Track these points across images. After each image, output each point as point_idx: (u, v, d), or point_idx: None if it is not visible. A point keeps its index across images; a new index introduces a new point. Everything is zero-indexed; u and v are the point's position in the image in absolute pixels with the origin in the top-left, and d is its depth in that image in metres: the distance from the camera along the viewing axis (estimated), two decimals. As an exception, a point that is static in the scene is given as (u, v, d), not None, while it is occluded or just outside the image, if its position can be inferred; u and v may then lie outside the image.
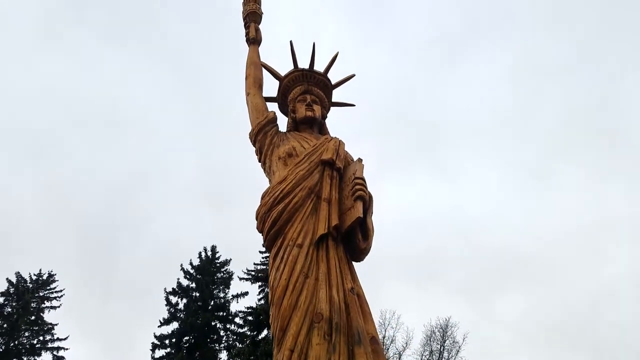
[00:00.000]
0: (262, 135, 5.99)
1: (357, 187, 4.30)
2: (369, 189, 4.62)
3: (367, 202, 4.34)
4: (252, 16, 7.82)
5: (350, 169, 5.14)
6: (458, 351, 34.43)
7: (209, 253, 32.94)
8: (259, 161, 5.99)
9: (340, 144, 5.39)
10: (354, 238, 3.79)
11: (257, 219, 4.64)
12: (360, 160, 5.36)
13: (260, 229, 4.47)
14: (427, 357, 34.64)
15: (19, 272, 30.68)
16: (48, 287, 30.72)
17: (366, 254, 3.92)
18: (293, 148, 5.42)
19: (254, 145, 6.21)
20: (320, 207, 3.86)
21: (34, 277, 30.97)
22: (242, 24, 8.12)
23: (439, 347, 34.58)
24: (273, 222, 3.89)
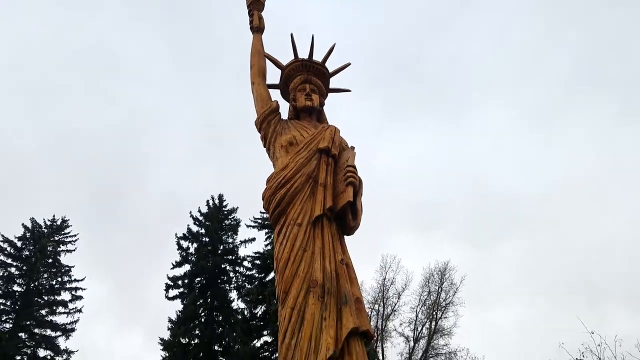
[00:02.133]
0: (266, 124, 6.61)
1: (349, 174, 5.02)
2: (359, 175, 5.34)
3: (357, 186, 5.07)
4: (256, 4, 8.04)
5: (344, 155, 5.84)
6: (455, 292, 36.38)
7: (217, 201, 34.21)
8: (264, 147, 6.68)
9: (335, 131, 6.03)
10: (345, 217, 4.55)
11: (263, 199, 5.43)
12: (352, 148, 6.09)
13: (266, 208, 5.29)
14: (425, 297, 36.66)
15: (33, 218, 32.24)
16: (62, 232, 32.36)
17: (355, 230, 4.73)
18: (294, 137, 6.12)
19: (259, 132, 6.90)
20: (317, 191, 4.59)
21: (48, 223, 32.54)
22: None
23: (437, 288, 36.51)
24: (277, 203, 4.64)
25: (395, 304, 35.70)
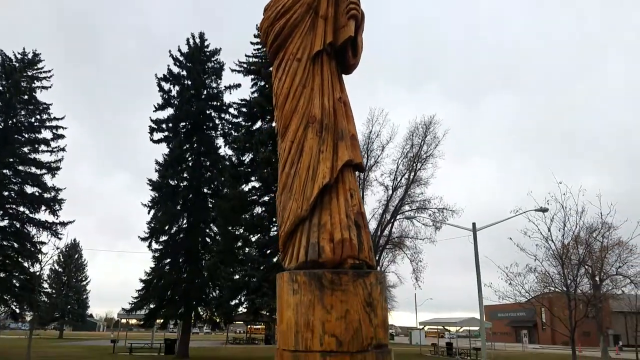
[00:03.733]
0: None
1: (351, 5, 4.66)
2: (361, 8, 5.01)
3: (359, 20, 4.77)
4: None
5: None
6: (437, 145, 37.95)
7: (197, 40, 32.70)
8: None
9: None
10: (345, 54, 4.41)
11: (260, 31, 5.12)
12: None
13: (264, 41, 5.01)
14: (407, 150, 38.23)
15: (2, 51, 30.71)
16: (35, 67, 31.22)
17: (355, 68, 4.61)
18: None
19: None
20: (317, 24, 4.35)
21: (19, 56, 31.14)
22: None
23: (419, 141, 37.89)
24: (275, 36, 4.40)
25: (379, 156, 37.35)
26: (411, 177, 37.79)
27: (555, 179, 22.63)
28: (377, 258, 39.07)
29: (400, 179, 38.03)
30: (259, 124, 28.31)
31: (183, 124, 31.35)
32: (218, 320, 30.58)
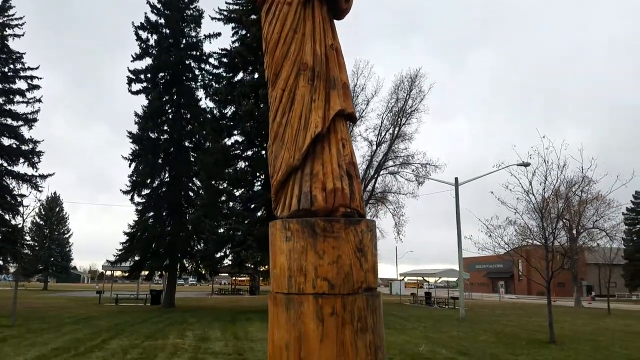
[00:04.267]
0: None
1: None
2: None
3: None
4: None
5: None
6: (422, 100, 37.93)
7: (176, -15, 31.33)
8: None
9: None
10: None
11: None
12: None
13: None
14: (392, 105, 38.12)
15: (-32, -3, 29.03)
16: (6, 14, 29.66)
17: (347, 13, 4.47)
18: None
19: None
20: None
21: (-15, 0, 29.50)
22: None
23: (405, 95, 37.75)
24: None
25: (363, 111, 37.19)
26: (395, 132, 37.93)
27: (538, 133, 23.32)
28: (360, 212, 39.70)
29: (385, 134, 38.17)
30: (240, 75, 27.72)
31: (162, 74, 30.55)
32: (204, 272, 31.13)
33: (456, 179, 27.28)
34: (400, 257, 67.01)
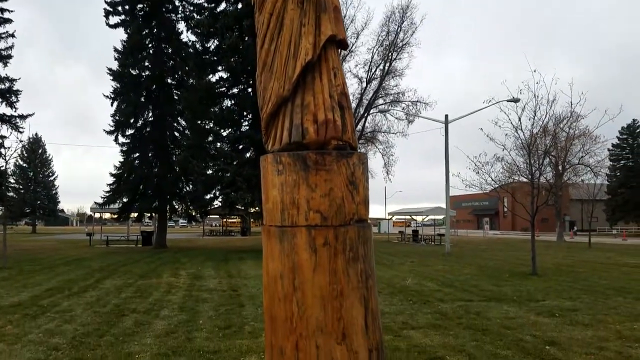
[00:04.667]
0: None
1: None
2: None
3: None
4: None
5: None
6: (414, 32, 36.98)
7: None
8: None
9: None
10: None
11: None
12: None
13: None
14: (383, 38, 37.11)
15: None
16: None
17: None
18: None
19: None
20: None
21: None
22: None
23: (396, 27, 36.69)
24: None
25: (353, 45, 36.18)
26: (386, 67, 37.19)
27: (530, 67, 23.14)
28: (349, 151, 39.77)
29: (375, 70, 37.42)
30: (223, 5, 26.49)
31: (140, 6, 29.11)
32: (194, 214, 31.41)
33: (446, 116, 27.23)
34: (389, 197, 68.10)
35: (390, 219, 59.72)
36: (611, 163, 55.10)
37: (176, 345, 6.69)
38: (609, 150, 47.74)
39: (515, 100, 16.19)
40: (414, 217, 48.15)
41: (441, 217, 44.84)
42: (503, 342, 6.85)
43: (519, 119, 14.93)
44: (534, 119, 14.89)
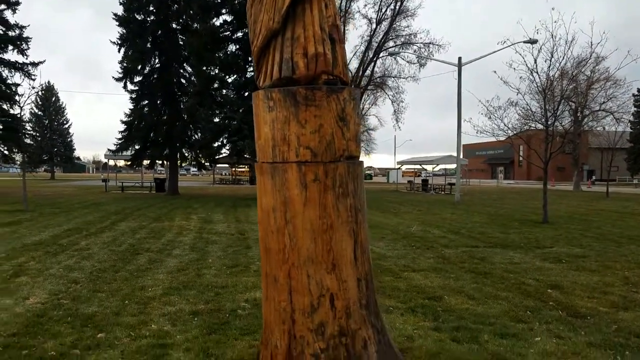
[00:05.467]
0: None
1: None
2: None
3: None
4: None
5: None
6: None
7: None
8: None
9: None
10: None
11: None
12: None
13: None
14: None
15: None
16: None
17: None
18: None
19: None
20: None
21: None
22: None
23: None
24: None
25: (363, -19, 34.63)
26: (397, 7, 35.57)
27: (547, 4, 22.02)
28: (360, 99, 39.11)
29: (385, 10, 35.83)
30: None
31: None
32: (203, 162, 31.73)
33: (459, 58, 26.49)
34: (398, 145, 67.73)
35: (399, 168, 59.39)
36: (635, 109, 52.49)
37: (187, 280, 7.02)
38: (634, 95, 45.48)
39: (533, 42, 15.61)
40: (424, 166, 47.98)
41: (452, 166, 44.57)
42: (504, 285, 6.97)
43: (535, 61, 14.43)
44: (550, 60, 14.38)
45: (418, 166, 48.62)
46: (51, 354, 4.17)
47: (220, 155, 29.11)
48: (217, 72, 25.80)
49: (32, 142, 39.66)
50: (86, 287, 6.57)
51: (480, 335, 4.76)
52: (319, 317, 3.08)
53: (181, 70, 30.63)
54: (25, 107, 54.21)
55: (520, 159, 69.71)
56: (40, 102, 64.84)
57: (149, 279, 7.08)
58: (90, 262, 8.30)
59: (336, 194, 3.12)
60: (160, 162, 32.35)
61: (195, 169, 51.07)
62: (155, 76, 29.63)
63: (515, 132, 17.56)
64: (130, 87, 29.33)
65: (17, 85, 28.76)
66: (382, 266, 8.17)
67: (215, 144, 26.68)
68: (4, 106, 28.37)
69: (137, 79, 29.39)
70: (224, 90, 26.20)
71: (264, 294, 3.35)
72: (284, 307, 3.15)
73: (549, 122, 14.73)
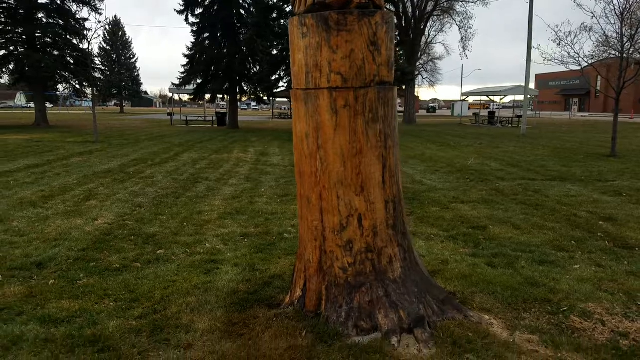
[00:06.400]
0: None
1: None
2: None
3: None
4: None
5: None
6: None
7: None
8: None
9: None
10: None
11: None
12: None
13: None
14: None
15: None
16: None
17: None
18: None
19: None
20: None
21: None
22: None
23: None
24: None
25: None
26: None
27: None
28: (422, 27, 37.20)
29: None
30: None
31: None
32: (262, 95, 32.08)
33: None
34: (466, 76, 64.35)
35: (465, 100, 56.64)
36: None
37: (240, 207, 7.50)
38: None
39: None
40: (492, 97, 45.62)
41: (522, 97, 42.09)
42: (554, 216, 6.87)
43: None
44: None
45: (485, 98, 46.05)
46: (115, 266, 4.75)
47: (278, 90, 29.26)
48: (275, 1, 25.34)
49: (101, 76, 41.71)
50: (149, 211, 7.21)
51: (517, 261, 4.83)
52: (347, 235, 3.30)
53: (240, 1, 30.35)
54: (93, 41, 56.37)
55: (598, 88, 64.43)
56: (108, 37, 67.27)
57: (206, 205, 7.63)
58: (153, 188, 9.01)
59: (366, 119, 3.21)
60: (220, 96, 33.10)
61: (255, 104, 51.77)
62: (215, 8, 29.61)
63: (590, 61, 16.19)
64: (191, 19, 29.66)
65: (85, 20, 29.98)
66: (430, 198, 8.24)
67: (273, 77, 26.75)
68: (74, 41, 29.74)
69: (198, 11, 29.55)
70: (282, 21, 25.80)
71: (299, 214, 3.60)
72: (316, 225, 3.38)
73: (624, 48, 13.45)
